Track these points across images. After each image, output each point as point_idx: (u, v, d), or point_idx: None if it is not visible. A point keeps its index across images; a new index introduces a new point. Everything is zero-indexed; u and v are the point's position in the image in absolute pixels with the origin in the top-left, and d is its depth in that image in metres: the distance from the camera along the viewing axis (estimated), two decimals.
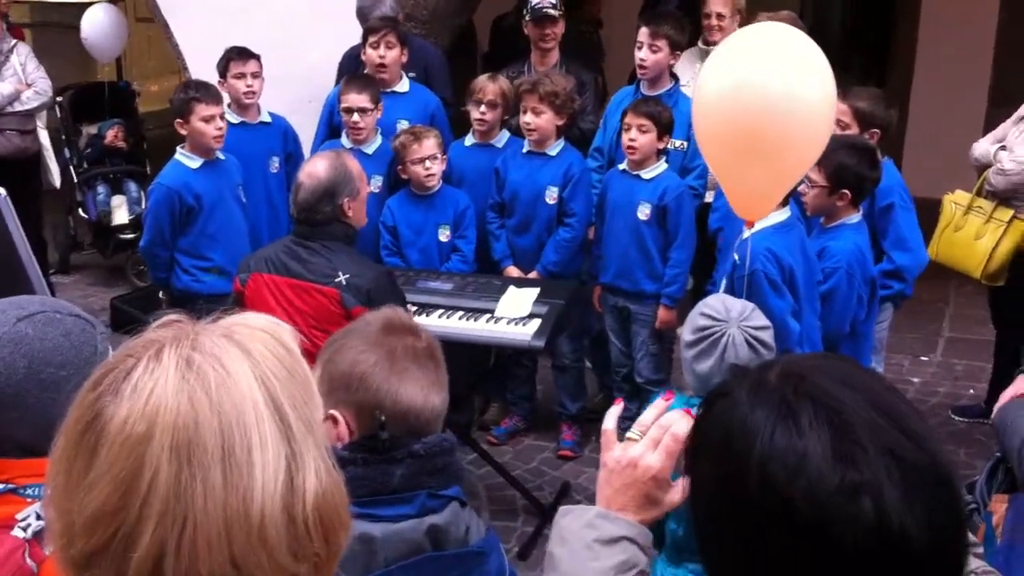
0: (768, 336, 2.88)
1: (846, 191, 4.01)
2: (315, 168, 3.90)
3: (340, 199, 3.85)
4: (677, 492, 1.34)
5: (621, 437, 1.41)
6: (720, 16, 5.58)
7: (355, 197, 3.90)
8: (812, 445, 1.06)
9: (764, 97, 3.09)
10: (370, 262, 4.23)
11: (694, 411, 1.22)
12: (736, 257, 3.73)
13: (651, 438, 1.36)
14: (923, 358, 6.42)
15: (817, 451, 1.05)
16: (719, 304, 2.94)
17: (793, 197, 3.91)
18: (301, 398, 1.12)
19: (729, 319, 2.89)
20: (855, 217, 4.11)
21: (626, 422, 1.47)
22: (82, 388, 1.11)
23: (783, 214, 3.79)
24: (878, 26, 12.10)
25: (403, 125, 5.34)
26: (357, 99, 5.08)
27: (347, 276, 3.77)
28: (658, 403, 1.40)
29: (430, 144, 4.95)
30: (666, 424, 1.35)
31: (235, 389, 1.07)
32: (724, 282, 3.86)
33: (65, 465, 1.08)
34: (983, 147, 5.16)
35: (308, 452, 1.10)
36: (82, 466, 1.06)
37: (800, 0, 15.26)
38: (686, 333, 2.93)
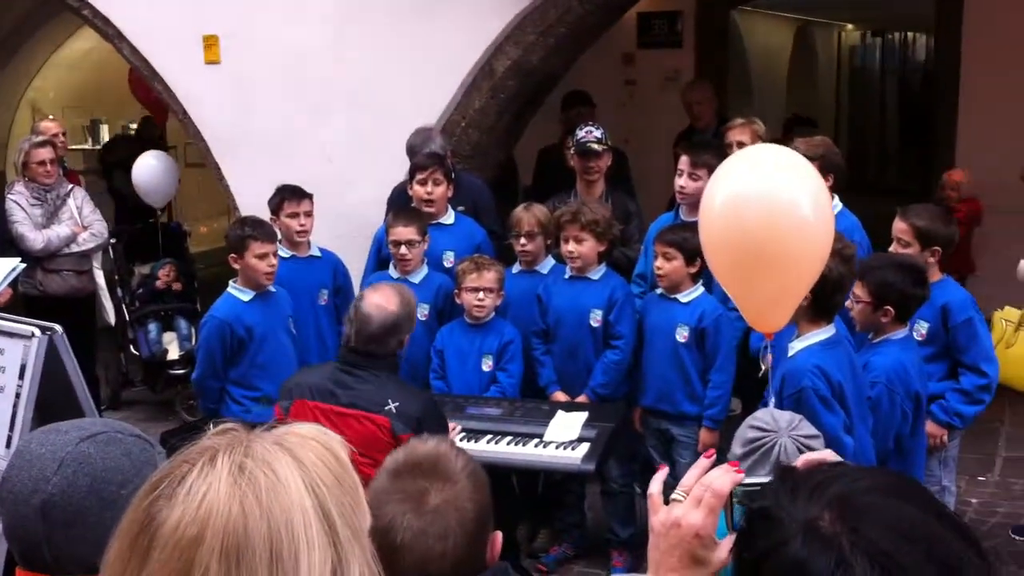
0: (819, 445, 2.86)
1: (889, 307, 4.02)
2: (386, 301, 3.91)
3: (403, 335, 3.94)
4: (723, 549, 1.34)
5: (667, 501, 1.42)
6: (741, 144, 5.60)
7: (411, 332, 4.01)
8: None
9: (755, 209, 3.12)
10: (416, 389, 4.26)
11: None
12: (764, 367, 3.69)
13: (693, 497, 1.37)
14: (980, 478, 6.27)
15: None
16: (767, 416, 2.94)
17: (839, 314, 3.92)
18: (349, 505, 1.15)
19: (779, 429, 2.88)
20: (900, 333, 4.10)
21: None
22: (138, 492, 1.15)
23: (828, 331, 3.79)
24: (916, 144, 12.17)
25: (449, 256, 5.45)
26: (404, 232, 5.20)
27: (396, 404, 3.80)
28: (700, 462, 1.42)
29: (489, 277, 5.01)
30: (707, 482, 1.36)
31: (285, 495, 1.10)
32: (772, 400, 3.84)
33: (119, 566, 1.11)
34: None
35: (354, 557, 1.12)
36: (135, 567, 1.09)
37: (835, 124, 15.53)
38: (736, 447, 2.91)
